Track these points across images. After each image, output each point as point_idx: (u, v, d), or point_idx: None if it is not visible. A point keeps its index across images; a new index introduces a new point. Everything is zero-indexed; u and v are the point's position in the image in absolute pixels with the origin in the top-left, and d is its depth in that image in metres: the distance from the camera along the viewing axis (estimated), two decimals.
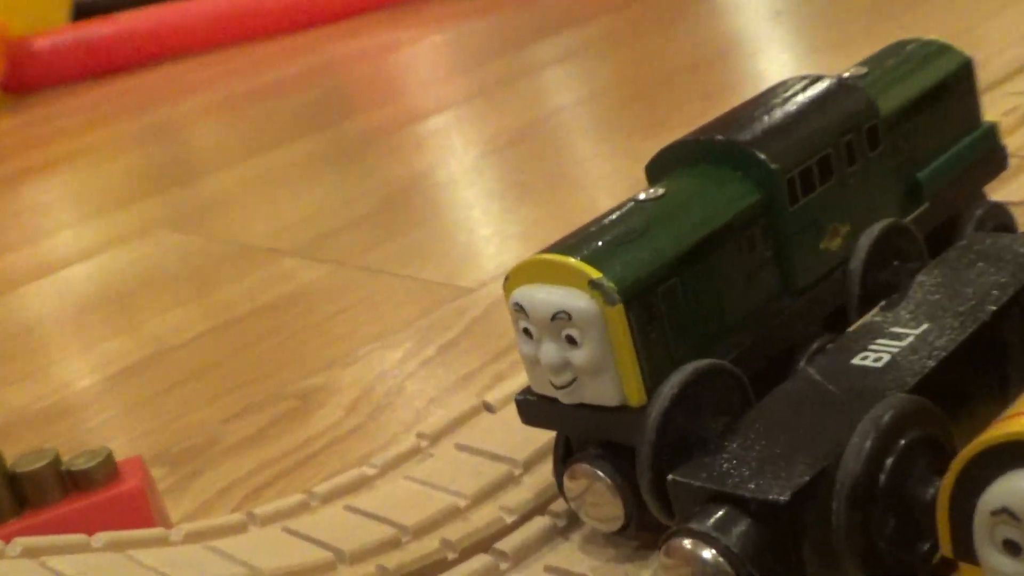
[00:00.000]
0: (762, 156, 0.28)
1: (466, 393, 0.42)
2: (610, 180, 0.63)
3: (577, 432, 0.28)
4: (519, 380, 0.39)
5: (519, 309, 0.26)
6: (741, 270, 0.28)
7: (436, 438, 0.36)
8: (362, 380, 0.46)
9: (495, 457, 0.34)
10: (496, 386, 0.40)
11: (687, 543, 0.20)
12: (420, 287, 0.54)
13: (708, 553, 0.20)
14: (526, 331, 0.27)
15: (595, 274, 0.25)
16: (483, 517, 0.31)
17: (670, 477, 0.22)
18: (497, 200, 0.67)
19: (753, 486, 0.21)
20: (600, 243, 0.26)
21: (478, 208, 0.66)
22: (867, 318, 0.27)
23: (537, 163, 0.70)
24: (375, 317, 0.52)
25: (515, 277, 0.27)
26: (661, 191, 0.28)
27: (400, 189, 0.71)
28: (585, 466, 0.27)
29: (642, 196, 0.28)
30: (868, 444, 0.19)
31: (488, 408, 0.38)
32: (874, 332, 0.25)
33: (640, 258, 0.26)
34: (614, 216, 0.28)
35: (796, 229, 0.29)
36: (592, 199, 0.61)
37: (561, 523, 0.30)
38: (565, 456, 0.29)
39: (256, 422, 0.44)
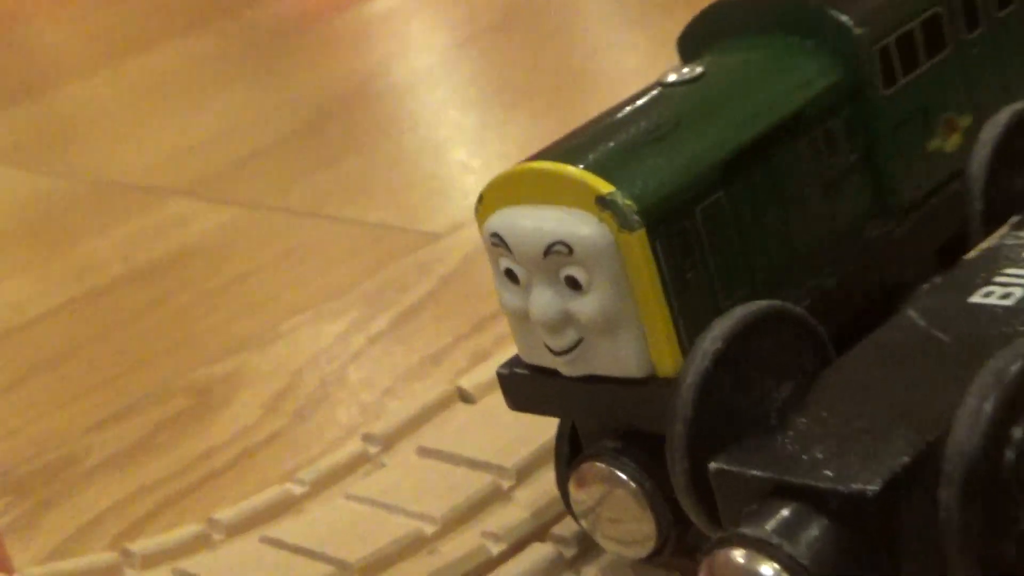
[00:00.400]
0: (843, 18, 0.28)
1: (433, 379, 0.43)
2: (638, 79, 0.63)
3: (587, 417, 0.28)
4: (507, 358, 0.39)
5: (498, 242, 0.27)
6: (815, 181, 0.28)
7: (391, 441, 0.37)
8: (285, 366, 0.46)
9: (474, 464, 0.34)
10: (475, 368, 0.40)
11: (738, 555, 0.21)
12: (366, 234, 0.54)
13: (768, 569, 0.21)
14: (509, 273, 0.27)
15: (605, 188, 0.25)
16: (459, 547, 0.32)
17: (713, 465, 0.22)
18: (475, 110, 0.67)
19: (830, 473, 0.21)
20: (612, 145, 0.27)
21: (448, 123, 0.66)
22: (992, 240, 0.27)
23: (532, 56, 0.70)
24: (303, 277, 0.52)
25: (492, 196, 0.27)
26: (699, 71, 0.28)
27: (335, 99, 0.71)
28: (599, 466, 0.27)
29: (672, 78, 0.28)
30: (988, 408, 0.20)
31: (464, 397, 0.38)
32: (1001, 259, 0.26)
33: (669, 165, 0.26)
34: (632, 107, 0.28)
35: (893, 122, 0.29)
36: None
37: (569, 551, 0.31)
38: (571, 454, 0.29)
39: (135, 429, 0.44)
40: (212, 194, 0.63)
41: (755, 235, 0.27)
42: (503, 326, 0.44)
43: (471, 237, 0.51)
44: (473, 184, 0.57)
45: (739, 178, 0.27)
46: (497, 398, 0.37)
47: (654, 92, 0.28)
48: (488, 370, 0.39)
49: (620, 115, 0.28)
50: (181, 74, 0.81)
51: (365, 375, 0.44)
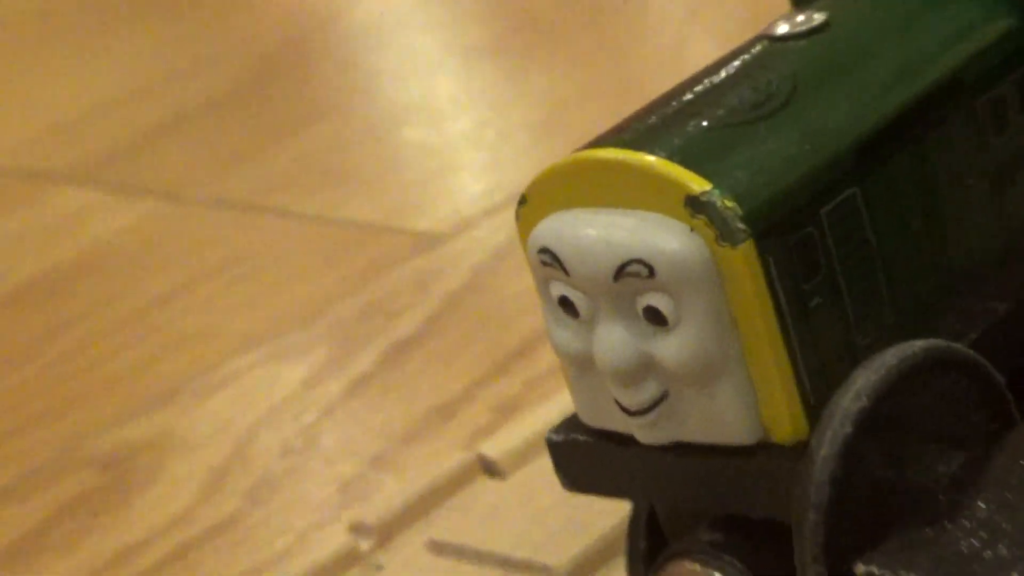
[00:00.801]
0: None
1: (442, 442, 0.43)
2: (713, 19, 0.64)
3: (672, 500, 0.29)
4: (547, 411, 0.40)
5: (550, 260, 0.27)
6: (981, 169, 0.29)
7: (389, 532, 0.37)
8: (231, 426, 0.47)
9: (508, 564, 0.35)
10: (501, 428, 0.41)
11: None
12: (336, 236, 0.55)
13: None
14: (565, 303, 0.27)
15: (698, 185, 0.26)
16: None
17: (862, 570, 0.23)
18: (477, 61, 0.68)
19: None
20: (705, 125, 0.27)
21: (442, 79, 0.66)
22: None
23: None
24: (251, 298, 0.53)
25: (540, 196, 0.28)
26: (820, 19, 0.29)
27: (278, 49, 0.72)
28: (693, 567, 0.28)
29: (783, 29, 0.29)
30: None
31: (489, 470, 0.39)
32: None
33: (784, 151, 0.27)
34: (729, 72, 0.29)
35: None
36: (678, 56, 0.61)
37: None
38: (650, 551, 0.30)
39: (20, 520, 0.45)
40: (116, 181, 0.63)
41: (901, 245, 0.28)
42: (538, 365, 0.45)
43: (484, 240, 0.52)
44: (481, 166, 0.57)
45: (879, 167, 0.28)
46: (535, 470, 0.38)
47: (759, 49, 0.29)
48: (520, 430, 0.40)
49: (713, 83, 0.28)
50: (67, 18, 0.81)
51: (345, 437, 0.45)
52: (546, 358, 0.44)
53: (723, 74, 0.29)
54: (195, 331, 0.52)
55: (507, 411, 0.43)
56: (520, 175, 0.55)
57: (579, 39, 0.65)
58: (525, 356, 0.46)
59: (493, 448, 0.39)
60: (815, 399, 0.27)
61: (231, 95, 0.69)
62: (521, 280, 0.47)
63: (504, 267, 0.49)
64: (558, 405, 0.37)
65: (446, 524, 0.37)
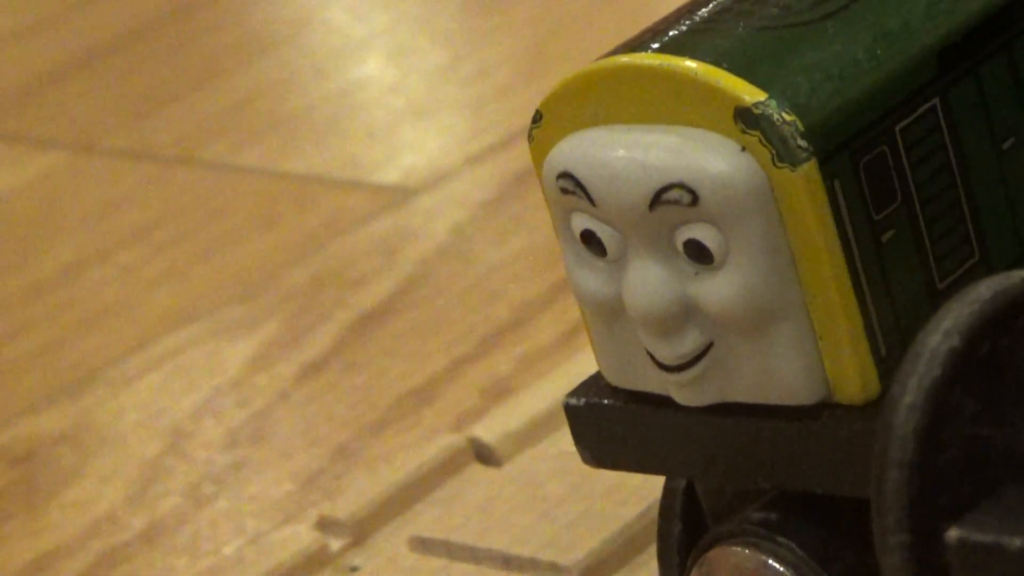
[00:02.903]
0: None
1: (424, 427, 0.44)
2: None
3: (719, 475, 0.29)
4: (547, 392, 0.40)
5: (572, 187, 0.27)
6: None
7: (364, 530, 0.38)
8: (162, 416, 0.47)
9: (510, 562, 0.35)
10: (493, 409, 0.41)
11: None
12: (282, 192, 0.55)
13: None
14: (589, 238, 0.28)
15: (751, 94, 0.26)
16: None
17: (953, 533, 0.23)
18: None
19: None
20: (756, 25, 0.27)
21: (410, 3, 0.66)
22: None
23: None
24: (180, 266, 0.53)
25: (557, 111, 0.28)
26: None
27: None
28: (743, 552, 0.28)
29: None
30: None
31: (483, 456, 0.39)
32: None
33: (850, 56, 0.27)
34: None
35: None
36: None
37: None
38: (688, 535, 0.30)
39: None
40: (13, 130, 0.64)
41: (991, 170, 0.28)
42: (534, 339, 0.45)
43: (465, 195, 0.52)
44: (461, 104, 0.58)
45: (964, 77, 0.28)
46: (537, 455, 0.38)
47: None
48: (516, 411, 0.40)
49: None
50: None
51: (303, 426, 0.45)
52: (544, 331, 0.45)
53: None
54: (114, 305, 0.53)
55: (498, 392, 0.44)
56: (504, 117, 0.55)
57: None
58: (516, 331, 0.46)
59: (487, 432, 0.39)
60: (888, 352, 0.27)
61: (150, 27, 0.69)
62: (511, 242, 0.47)
63: (490, 228, 0.49)
64: (561, 385, 0.37)
65: (432, 519, 0.37)
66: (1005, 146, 0.29)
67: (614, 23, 0.59)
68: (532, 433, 0.39)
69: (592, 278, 0.28)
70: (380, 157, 0.56)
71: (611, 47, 0.29)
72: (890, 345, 0.27)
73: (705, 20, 0.28)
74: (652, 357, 0.28)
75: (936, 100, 0.28)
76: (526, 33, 0.60)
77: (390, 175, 0.55)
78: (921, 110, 0.28)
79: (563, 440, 0.36)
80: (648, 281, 0.27)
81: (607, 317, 0.28)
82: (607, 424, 0.30)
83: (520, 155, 0.47)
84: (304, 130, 0.59)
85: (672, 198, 0.27)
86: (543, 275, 0.46)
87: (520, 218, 0.48)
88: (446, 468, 0.39)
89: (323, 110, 0.60)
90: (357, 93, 0.61)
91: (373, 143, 0.57)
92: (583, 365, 0.33)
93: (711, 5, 0.29)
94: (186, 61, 0.66)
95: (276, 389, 0.47)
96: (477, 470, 0.39)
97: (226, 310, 0.51)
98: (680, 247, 0.27)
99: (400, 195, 0.53)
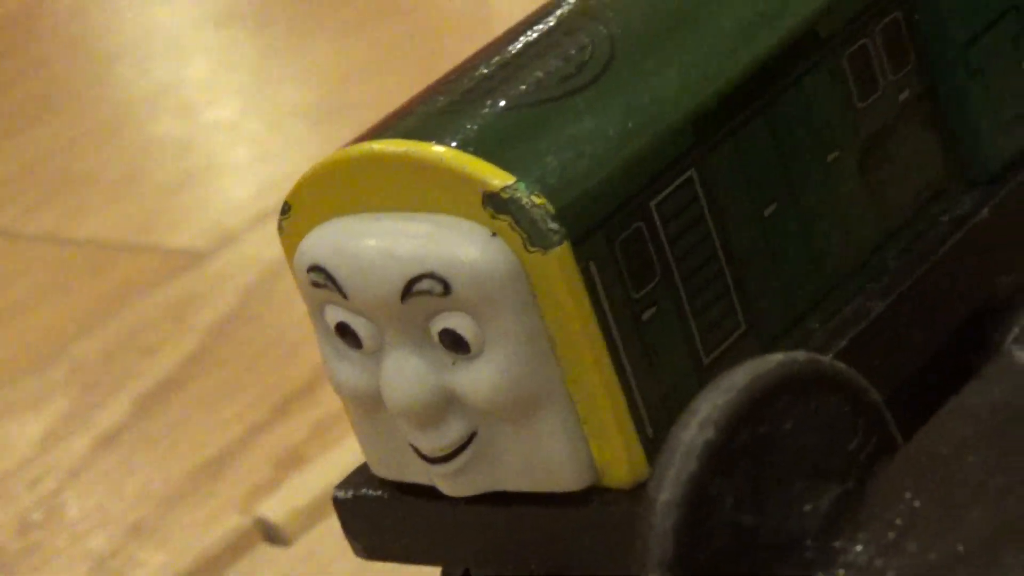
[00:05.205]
0: None
1: (212, 504, 0.43)
2: None
3: (492, 564, 0.29)
4: (338, 461, 0.40)
5: (323, 280, 0.27)
6: (846, 139, 0.29)
7: None
8: None
9: None
10: (283, 483, 0.41)
11: None
12: (70, 258, 0.55)
13: None
14: (344, 331, 0.27)
15: (499, 178, 0.26)
16: None
17: None
18: (240, 34, 0.67)
19: None
20: (503, 105, 0.27)
21: (197, 58, 0.66)
22: None
23: None
24: None
25: (307, 201, 0.28)
26: None
27: None
28: None
29: None
30: None
31: (270, 536, 0.39)
32: None
33: (602, 131, 0.27)
34: (532, 38, 0.28)
35: (973, 29, 0.30)
36: (481, 7, 0.62)
37: None
38: None
39: None
40: None
41: (752, 237, 0.28)
42: (326, 405, 0.45)
43: (255, 256, 0.52)
44: (249, 161, 0.57)
45: (721, 145, 0.28)
46: (325, 533, 0.38)
47: (569, 8, 0.29)
48: (306, 485, 0.40)
49: (514, 52, 0.28)
50: None
51: (94, 505, 0.45)
52: (336, 397, 0.45)
53: (526, 40, 0.29)
54: None
55: (290, 464, 0.43)
56: (294, 172, 0.54)
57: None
58: (310, 395, 0.46)
59: (274, 509, 0.39)
60: (655, 432, 0.27)
61: None
62: (302, 304, 0.47)
63: (280, 289, 0.49)
64: (352, 453, 0.36)
65: None
66: (767, 212, 0.29)
67: (406, 67, 0.59)
68: (320, 511, 0.39)
69: (350, 371, 0.28)
70: (169, 220, 0.56)
71: (403, 96, 0.29)
72: (657, 424, 0.27)
73: (454, 101, 0.28)
74: (415, 448, 0.28)
75: (692, 171, 0.28)
76: (316, 81, 0.60)
77: (179, 239, 0.55)
78: (678, 182, 0.27)
79: None
80: (405, 373, 0.27)
81: (368, 409, 0.28)
82: (377, 516, 0.29)
83: None
84: (91, 194, 0.59)
85: (424, 288, 0.26)
86: None
87: None
88: (235, 549, 0.39)
89: (110, 172, 0.60)
90: (143, 153, 0.60)
91: (161, 206, 0.57)
92: None
93: (460, 82, 0.28)
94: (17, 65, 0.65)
95: (67, 467, 0.47)
96: (265, 551, 0.39)
97: (13, 385, 0.50)
98: (436, 337, 0.27)
99: (190, 258, 0.53)
